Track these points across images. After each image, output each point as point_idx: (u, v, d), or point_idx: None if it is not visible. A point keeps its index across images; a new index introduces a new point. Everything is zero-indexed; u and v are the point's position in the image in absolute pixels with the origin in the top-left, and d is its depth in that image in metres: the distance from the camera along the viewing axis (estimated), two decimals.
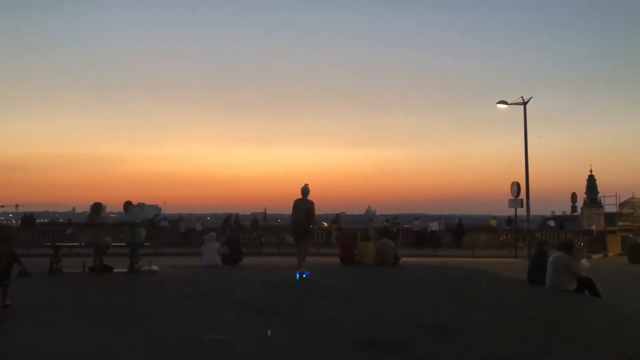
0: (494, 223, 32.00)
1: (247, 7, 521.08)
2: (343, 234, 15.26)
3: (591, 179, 79.22)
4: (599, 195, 78.67)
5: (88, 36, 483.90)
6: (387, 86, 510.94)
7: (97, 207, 11.99)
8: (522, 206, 22.78)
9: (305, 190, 11.45)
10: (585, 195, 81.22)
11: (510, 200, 22.92)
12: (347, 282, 11.16)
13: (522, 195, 22.63)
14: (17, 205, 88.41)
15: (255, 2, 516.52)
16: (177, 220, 34.38)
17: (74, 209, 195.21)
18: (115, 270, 11.73)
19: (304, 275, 11.00)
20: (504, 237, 30.84)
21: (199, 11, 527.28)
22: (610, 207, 42.70)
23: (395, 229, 30.24)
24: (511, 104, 22.82)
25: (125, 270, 11.44)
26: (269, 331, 5.79)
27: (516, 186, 22.69)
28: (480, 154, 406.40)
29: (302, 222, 11.36)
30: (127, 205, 11.90)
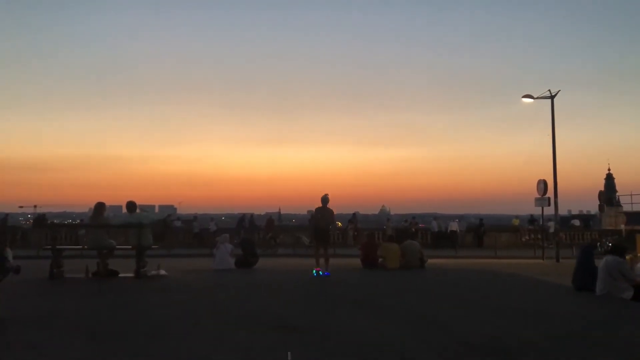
0: (516, 222, 30.67)
1: (263, 9, 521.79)
2: (364, 235, 14.11)
3: (609, 178, 77.62)
4: (617, 194, 76.95)
5: (106, 39, 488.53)
6: (402, 86, 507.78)
7: (101, 207, 11.11)
8: (549, 205, 21.51)
9: (326, 199, 12.22)
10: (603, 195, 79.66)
11: (537, 199, 21.67)
12: (371, 287, 10.13)
13: (549, 193, 21.36)
14: (35, 206, 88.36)
15: (272, 4, 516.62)
16: (190, 221, 33.60)
17: (90, 209, 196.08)
18: (121, 275, 10.83)
19: (322, 274, 11.62)
20: (527, 237, 29.55)
21: (215, 14, 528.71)
22: (630, 206, 40.99)
23: (413, 229, 29.17)
24: (537, 97, 21.56)
25: (131, 274, 10.52)
26: (289, 354, 4.78)
27: (543, 184, 21.42)
28: (499, 153, 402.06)
29: (326, 229, 12.25)
30: (130, 205, 10.96)
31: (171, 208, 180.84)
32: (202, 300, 8.24)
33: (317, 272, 11.73)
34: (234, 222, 33.44)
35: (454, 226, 28.87)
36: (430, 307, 7.89)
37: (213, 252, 13.05)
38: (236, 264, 13.02)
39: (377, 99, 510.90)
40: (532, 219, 30.32)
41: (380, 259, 13.05)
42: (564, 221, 41.64)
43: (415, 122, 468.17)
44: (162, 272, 11.08)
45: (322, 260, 12.02)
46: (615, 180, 75.51)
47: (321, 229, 12.12)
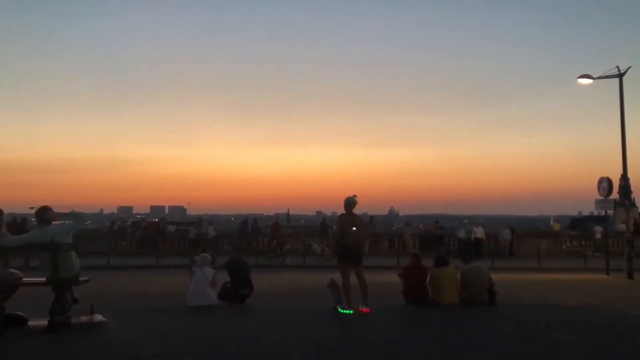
0: (556, 227, 26.03)
1: (269, 10, 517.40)
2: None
3: (624, 178, 73.02)
4: (632, 195, 72.42)
5: (112, 41, 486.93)
6: (411, 86, 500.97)
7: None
8: (613, 208, 17.06)
9: (352, 202, 8.18)
10: (617, 195, 75.20)
11: (599, 201, 17.21)
12: (431, 344, 5.70)
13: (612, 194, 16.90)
14: None
15: (278, 6, 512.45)
16: (195, 223, 29.46)
17: (101, 210, 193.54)
18: (31, 324, 6.51)
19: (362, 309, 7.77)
20: (569, 244, 24.98)
21: (218, 14, 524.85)
22: None
23: (438, 235, 24.67)
24: (599, 77, 17.08)
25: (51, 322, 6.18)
26: None
27: (607, 182, 16.95)
28: (508, 153, 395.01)
29: (357, 244, 8.07)
30: (42, 213, 6.53)
31: (181, 209, 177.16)
32: None
33: (349, 309, 7.71)
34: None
35: (479, 232, 24.12)
36: None
37: (190, 278, 8.62)
38: (221, 296, 8.64)
39: (386, 99, 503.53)
40: (573, 223, 25.75)
41: (430, 292, 8.64)
42: (577, 223, 36.75)
43: (423, 123, 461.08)
44: (98, 318, 6.74)
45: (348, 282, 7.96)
46: (631, 180, 71.39)
47: (351, 246, 7.94)
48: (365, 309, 7.81)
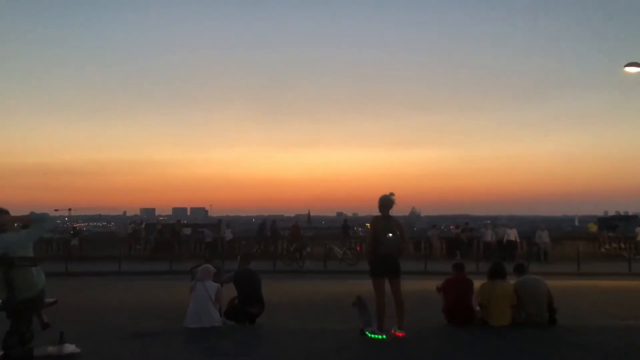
0: (594, 228, 23.97)
1: (295, 14, 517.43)
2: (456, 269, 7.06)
3: None
4: None
5: (141, 45, 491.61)
6: (432, 87, 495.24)
7: None
8: None
9: (389, 202, 6.61)
10: None
11: None
12: None
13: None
14: (69, 209, 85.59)
15: (297, 9, 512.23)
16: (211, 225, 28.17)
17: (125, 212, 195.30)
18: None
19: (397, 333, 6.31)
20: (607, 247, 22.97)
21: (244, 18, 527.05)
22: None
23: (466, 239, 22.87)
24: None
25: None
26: None
27: None
28: (530, 153, 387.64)
29: (394, 253, 6.45)
30: None
31: (202, 211, 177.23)
32: None
33: (380, 334, 6.25)
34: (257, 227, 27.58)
35: (512, 235, 22.10)
36: None
37: (191, 292, 7.18)
38: (227, 315, 7.20)
39: (407, 100, 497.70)
40: (611, 224, 23.72)
41: (478, 309, 7.06)
42: (602, 222, 34.29)
43: (445, 123, 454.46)
44: (68, 348, 5.35)
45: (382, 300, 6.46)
46: None
47: (386, 256, 6.37)
48: (399, 333, 6.31)
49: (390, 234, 6.33)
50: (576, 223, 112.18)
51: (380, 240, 6.30)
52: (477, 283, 7.35)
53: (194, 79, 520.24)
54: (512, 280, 7.27)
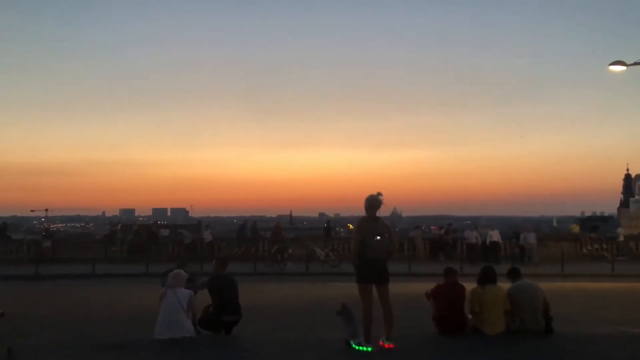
0: (575, 229, 23.86)
1: (278, 13, 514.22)
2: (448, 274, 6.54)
3: (628, 179, 70.84)
4: (636, 195, 70.03)
5: (121, 42, 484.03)
6: (415, 87, 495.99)
7: None
8: None
9: (377, 203, 6.06)
10: (621, 195, 72.89)
11: (635, 201, 15.11)
12: None
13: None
14: (47, 210, 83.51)
15: (287, 7, 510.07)
16: (190, 226, 27.39)
17: (103, 212, 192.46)
18: None
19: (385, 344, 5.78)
20: (589, 247, 22.86)
21: (229, 16, 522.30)
22: None
23: (451, 240, 22.52)
24: (634, 64, 15.02)
25: None
26: None
27: None
28: (509, 154, 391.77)
29: (383, 257, 5.88)
30: None
31: (183, 211, 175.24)
32: None
33: (367, 345, 5.73)
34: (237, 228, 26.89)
35: (494, 236, 21.76)
36: None
37: (161, 299, 6.54)
38: (202, 324, 6.61)
39: (390, 100, 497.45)
40: (594, 225, 23.64)
41: (470, 317, 6.58)
42: (583, 223, 34.27)
43: (427, 124, 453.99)
44: None
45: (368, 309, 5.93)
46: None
47: (374, 260, 5.82)
48: (388, 345, 5.80)
49: (379, 237, 5.80)
50: (554, 224, 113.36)
51: (368, 244, 5.78)
52: (467, 287, 6.90)
53: (175, 78, 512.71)
54: (502, 284, 6.82)
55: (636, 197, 15.39)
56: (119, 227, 23.96)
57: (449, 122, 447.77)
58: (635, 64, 15.40)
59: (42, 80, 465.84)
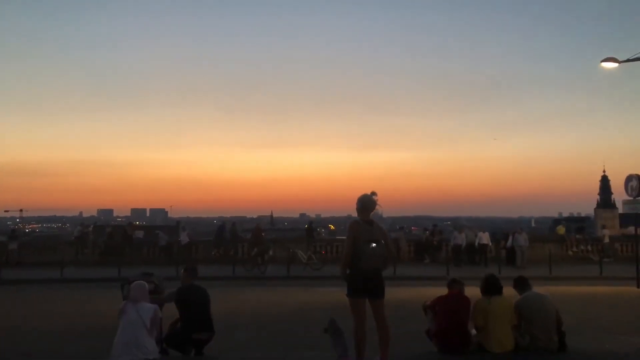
0: (561, 231, 23.44)
1: (257, 13, 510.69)
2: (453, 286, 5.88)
3: (604, 180, 71.45)
4: (612, 196, 70.33)
5: (99, 42, 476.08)
6: (395, 89, 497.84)
7: None
8: None
9: (372, 204, 5.31)
10: (598, 197, 73.43)
11: (627, 202, 14.59)
12: None
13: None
14: (21, 210, 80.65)
15: (266, 8, 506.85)
16: (166, 228, 26.25)
17: (81, 213, 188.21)
18: None
19: None
20: (575, 249, 22.46)
21: (207, 17, 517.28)
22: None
23: (435, 242, 21.85)
24: (627, 60, 14.53)
25: None
26: None
27: (636, 181, 14.31)
28: (487, 155, 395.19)
29: (379, 267, 5.06)
30: None
31: (162, 212, 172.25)
32: None
33: None
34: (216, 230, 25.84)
35: (484, 238, 21.06)
36: None
37: (120, 315, 5.59)
38: (168, 342, 5.72)
39: (371, 102, 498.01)
40: (581, 227, 23.26)
41: (474, 332, 5.80)
42: (559, 223, 33.99)
43: (406, 125, 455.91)
44: None
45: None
46: (611, 182, 69.75)
47: (370, 271, 4.99)
48: None
49: (374, 244, 4.98)
50: (532, 224, 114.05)
51: (362, 251, 4.95)
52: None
53: (152, 78, 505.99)
54: (507, 295, 6.06)
55: (628, 197, 14.89)
56: (90, 228, 22.71)
57: (426, 124, 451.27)
58: (628, 60, 14.97)
59: (18, 80, 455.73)
